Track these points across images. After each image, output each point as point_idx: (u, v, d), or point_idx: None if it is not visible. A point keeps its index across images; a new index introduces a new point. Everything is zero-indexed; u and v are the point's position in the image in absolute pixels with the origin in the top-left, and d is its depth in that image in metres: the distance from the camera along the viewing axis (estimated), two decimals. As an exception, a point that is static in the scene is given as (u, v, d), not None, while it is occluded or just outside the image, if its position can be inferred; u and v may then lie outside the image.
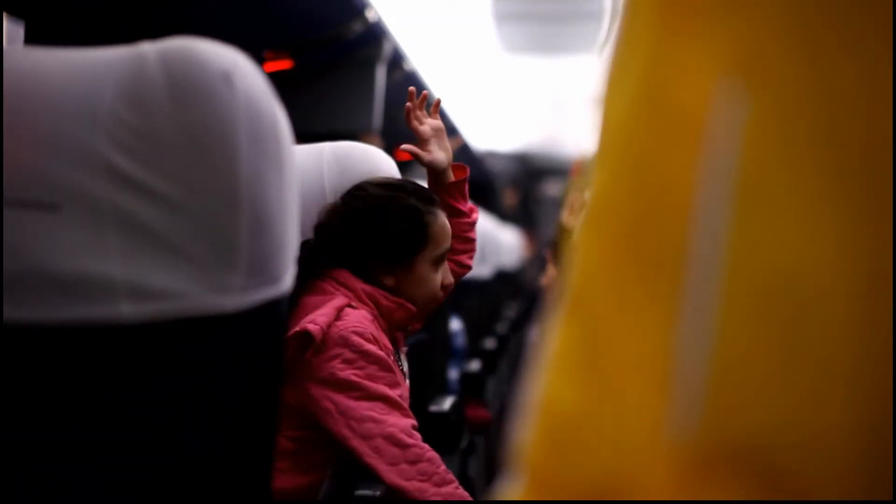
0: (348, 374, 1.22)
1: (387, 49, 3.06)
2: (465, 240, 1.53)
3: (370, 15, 2.72)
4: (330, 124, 3.12)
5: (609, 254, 0.36)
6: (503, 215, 9.28)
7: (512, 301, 5.61)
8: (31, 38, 1.94)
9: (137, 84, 0.79)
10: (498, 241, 4.25)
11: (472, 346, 3.19)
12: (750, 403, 0.31)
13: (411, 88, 1.50)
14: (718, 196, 0.33)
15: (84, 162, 0.79)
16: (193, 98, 0.78)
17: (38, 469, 0.80)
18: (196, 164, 0.78)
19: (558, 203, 10.23)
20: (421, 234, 1.37)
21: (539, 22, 5.56)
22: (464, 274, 1.55)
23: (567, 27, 5.77)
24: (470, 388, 2.61)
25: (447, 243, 1.40)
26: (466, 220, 1.53)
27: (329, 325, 1.23)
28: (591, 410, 0.34)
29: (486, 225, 3.79)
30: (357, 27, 2.73)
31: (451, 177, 1.50)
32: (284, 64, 2.89)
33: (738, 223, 0.32)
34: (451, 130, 5.58)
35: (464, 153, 6.84)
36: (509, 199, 9.61)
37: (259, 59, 2.88)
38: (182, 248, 0.79)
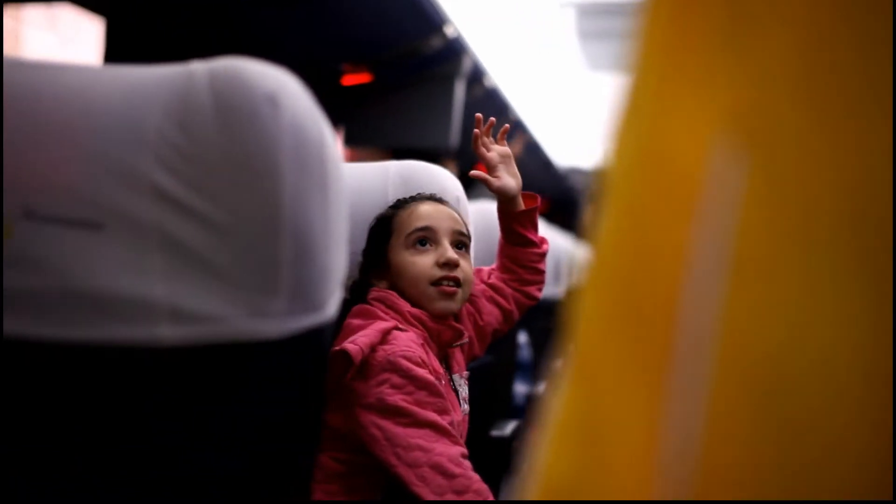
0: (396, 399, 1.19)
1: (466, 65, 3.06)
2: (534, 271, 1.50)
3: (449, 31, 2.72)
4: (408, 140, 3.12)
5: (607, 316, 0.34)
6: (585, 234, 9.19)
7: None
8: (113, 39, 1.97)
9: (185, 104, 0.79)
10: (575, 260, 4.20)
11: (542, 366, 3.15)
12: (741, 480, 0.29)
13: (478, 115, 1.48)
14: (712, 262, 0.31)
15: (129, 181, 0.78)
16: (238, 120, 0.77)
17: (75, 488, 0.80)
18: (239, 186, 0.77)
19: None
20: (381, 228, 1.37)
21: (623, 40, 5.53)
22: (530, 305, 1.51)
23: None
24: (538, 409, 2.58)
25: (418, 223, 1.35)
26: (536, 250, 1.49)
27: (373, 347, 1.21)
28: (585, 484, 0.33)
29: (563, 244, 3.75)
30: (436, 43, 2.73)
31: (521, 205, 1.47)
32: (363, 78, 2.90)
33: (731, 293, 0.30)
34: (531, 146, 5.55)
35: (546, 169, 6.82)
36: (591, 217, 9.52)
37: (338, 74, 2.90)
38: (224, 272, 0.77)
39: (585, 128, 8.06)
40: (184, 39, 2.24)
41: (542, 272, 1.50)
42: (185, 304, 0.78)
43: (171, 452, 0.80)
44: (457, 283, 1.34)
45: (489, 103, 3.70)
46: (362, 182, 1.49)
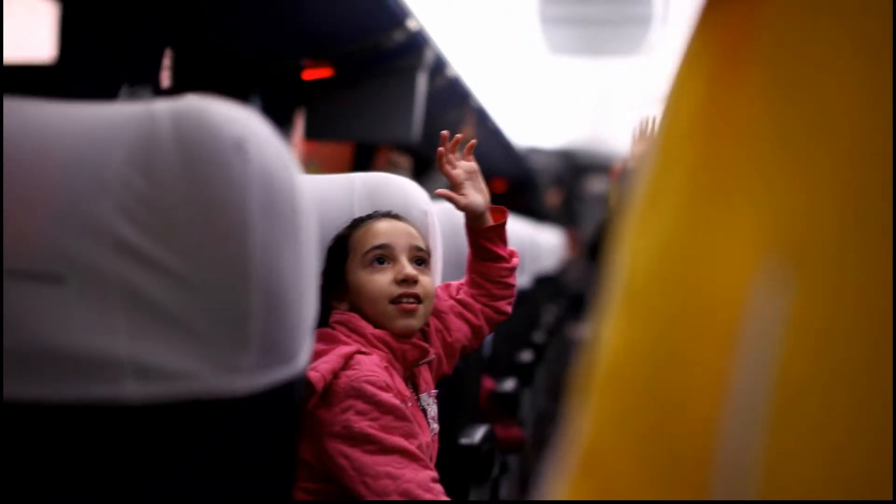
0: (363, 425, 1.17)
1: (428, 57, 3.02)
2: (503, 285, 1.47)
3: (411, 24, 2.68)
4: (370, 132, 3.08)
5: (636, 449, 0.32)
6: (545, 214, 9.23)
7: (551, 304, 5.55)
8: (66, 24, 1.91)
9: (148, 149, 0.75)
10: (537, 248, 4.19)
11: (508, 360, 3.14)
12: None
13: (444, 132, 1.45)
14: (753, 393, 0.29)
15: (91, 231, 0.75)
16: (204, 168, 0.74)
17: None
18: (206, 238, 0.74)
19: (601, 200, 10.16)
20: (338, 248, 1.35)
21: (584, 25, 5.56)
22: (501, 320, 1.49)
23: (611, 30, 5.77)
24: (504, 407, 2.57)
25: (375, 241, 1.32)
26: (505, 265, 1.47)
27: (335, 374, 1.19)
28: None
29: (525, 231, 3.73)
30: (398, 36, 2.69)
31: (490, 220, 1.45)
32: (324, 72, 2.85)
33: (773, 426, 0.28)
34: (493, 131, 5.52)
35: (507, 152, 6.80)
36: (553, 198, 9.55)
37: (298, 68, 2.85)
38: (191, 326, 0.74)
39: (545, 109, 8.07)
40: (143, 32, 2.18)
41: (511, 286, 1.48)
42: (151, 360, 0.74)
43: (139, 511, 0.77)
44: (417, 299, 1.31)
45: (451, 92, 3.67)
46: (328, 195, 1.46)
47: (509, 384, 2.58)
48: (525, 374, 3.13)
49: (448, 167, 1.44)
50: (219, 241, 0.74)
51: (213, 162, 0.74)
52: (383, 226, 1.35)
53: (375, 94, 2.96)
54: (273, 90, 3.01)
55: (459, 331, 1.43)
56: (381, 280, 1.31)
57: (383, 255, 1.32)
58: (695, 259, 0.31)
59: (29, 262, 0.75)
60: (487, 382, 2.59)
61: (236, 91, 3.03)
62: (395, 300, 1.30)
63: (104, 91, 1.92)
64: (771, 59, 0.31)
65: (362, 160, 3.83)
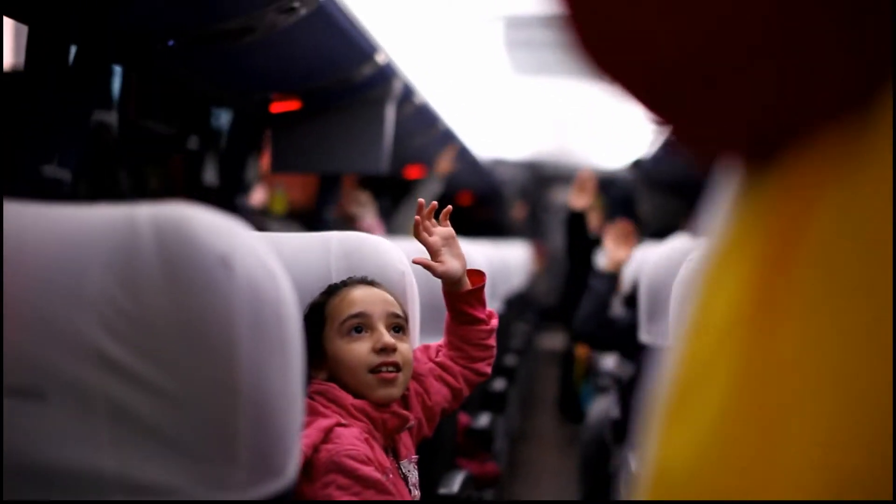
0: (345, 501, 1.17)
1: (396, 87, 3.01)
2: (482, 347, 1.46)
3: (380, 58, 2.67)
4: (338, 164, 3.07)
5: None
6: (511, 226, 9.24)
7: (520, 322, 5.54)
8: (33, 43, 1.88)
9: (129, 261, 0.74)
10: (507, 269, 4.19)
11: (480, 389, 3.13)
12: None
13: (420, 200, 1.44)
14: None
15: (72, 346, 0.73)
16: (189, 285, 0.73)
17: None
18: (192, 355, 0.73)
19: (567, 211, 10.18)
20: (314, 316, 1.33)
21: (547, 48, 5.67)
22: (481, 381, 1.49)
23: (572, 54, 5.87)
24: (479, 443, 2.56)
25: (351, 309, 1.32)
26: (484, 327, 1.46)
27: (315, 448, 1.18)
28: None
29: (495, 255, 3.72)
30: (367, 70, 2.68)
31: (468, 284, 1.44)
32: (292, 105, 2.83)
33: None
34: (461, 150, 5.53)
35: (473, 168, 6.81)
36: (519, 212, 9.56)
37: (266, 102, 2.83)
38: (178, 442, 0.73)
39: (511, 124, 8.12)
40: (107, 61, 2.15)
41: (491, 347, 1.47)
42: (139, 476, 0.73)
43: None
44: (396, 367, 1.31)
45: (419, 118, 3.66)
46: (303, 256, 1.45)
47: (483, 420, 2.57)
48: (498, 403, 3.13)
49: (424, 234, 1.43)
50: (205, 359, 0.73)
51: (197, 278, 0.73)
52: (359, 293, 1.34)
53: (344, 126, 2.95)
54: (241, 123, 2.99)
55: (439, 393, 1.42)
56: (360, 349, 1.30)
57: (360, 324, 1.32)
58: (736, 473, 0.31)
59: (10, 377, 0.73)
60: (462, 417, 2.58)
61: (200, 124, 3.01)
62: (375, 369, 1.29)
63: (71, 110, 1.89)
64: (822, 265, 0.30)
65: (328, 185, 3.81)
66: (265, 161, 3.33)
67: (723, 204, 0.38)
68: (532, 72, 6.30)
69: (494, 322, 1.48)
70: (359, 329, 1.31)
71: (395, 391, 1.31)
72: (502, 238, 7.80)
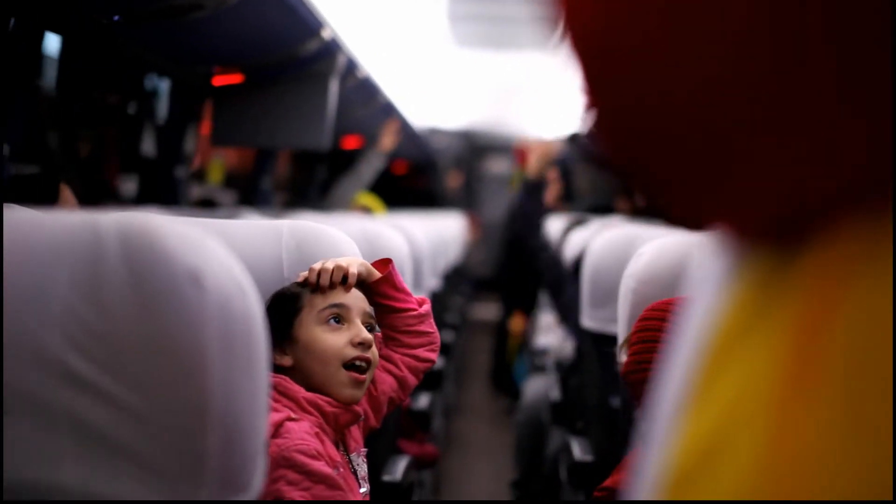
0: (294, 496, 1.16)
1: (340, 62, 2.98)
2: (415, 334, 1.44)
3: (325, 34, 2.63)
4: (281, 139, 3.03)
5: None
6: (446, 196, 9.24)
7: (456, 296, 5.55)
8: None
9: (94, 275, 0.72)
10: (444, 244, 4.19)
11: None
12: None
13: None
14: None
15: (36, 362, 0.71)
16: (157, 302, 0.71)
17: None
18: (161, 372, 0.71)
19: (502, 181, 10.20)
20: (288, 304, 1.32)
21: (489, 22, 5.66)
22: (426, 368, 1.48)
23: (516, 27, 5.88)
24: (418, 424, 2.57)
25: (334, 299, 1.31)
26: (411, 314, 1.44)
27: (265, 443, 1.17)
28: None
29: (431, 229, 3.72)
30: (312, 46, 2.64)
31: (376, 274, 1.41)
32: (235, 78, 2.79)
33: None
34: (393, 112, 5.51)
35: (412, 139, 6.78)
36: (454, 180, 9.56)
37: (209, 74, 2.77)
38: (145, 459, 0.72)
39: (449, 94, 8.10)
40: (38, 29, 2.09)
41: (427, 332, 1.45)
42: (105, 492, 0.72)
43: None
44: (368, 364, 1.31)
45: (361, 91, 3.63)
46: (254, 243, 1.42)
47: (423, 401, 2.58)
48: (436, 381, 3.14)
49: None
50: (174, 378, 0.72)
51: (166, 295, 0.71)
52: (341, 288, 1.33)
53: (287, 101, 2.91)
54: (182, 94, 2.93)
55: (384, 383, 1.41)
56: (336, 340, 1.30)
57: (340, 315, 1.31)
58: None
59: None
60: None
61: (140, 93, 2.94)
62: (349, 364, 1.29)
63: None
64: (854, 352, 0.30)
65: (265, 154, 3.76)
66: (205, 132, 3.27)
67: (720, 274, 0.38)
68: (473, 44, 6.31)
69: (426, 307, 1.45)
70: (338, 319, 1.31)
71: (361, 394, 1.31)
72: (437, 208, 7.80)
